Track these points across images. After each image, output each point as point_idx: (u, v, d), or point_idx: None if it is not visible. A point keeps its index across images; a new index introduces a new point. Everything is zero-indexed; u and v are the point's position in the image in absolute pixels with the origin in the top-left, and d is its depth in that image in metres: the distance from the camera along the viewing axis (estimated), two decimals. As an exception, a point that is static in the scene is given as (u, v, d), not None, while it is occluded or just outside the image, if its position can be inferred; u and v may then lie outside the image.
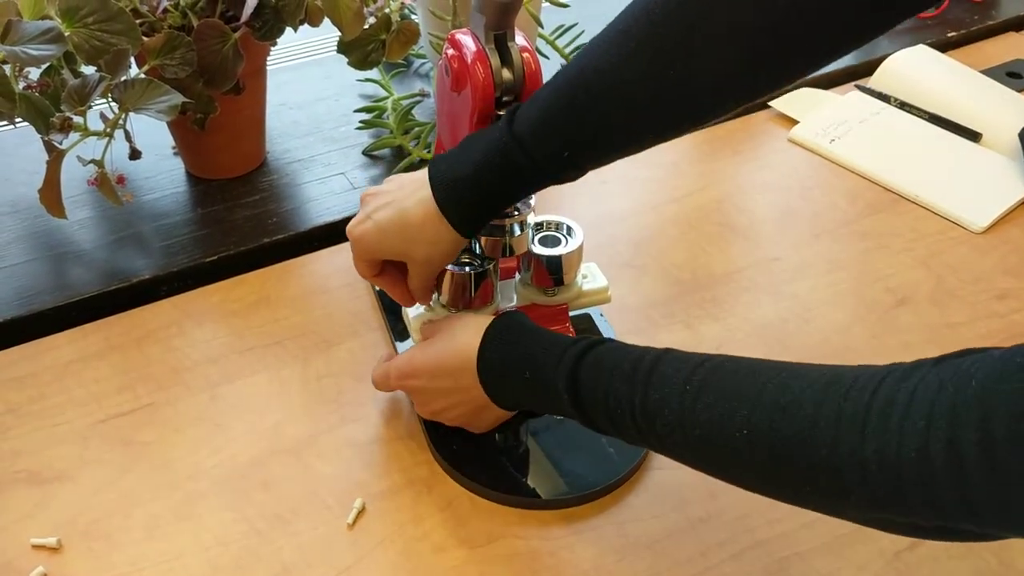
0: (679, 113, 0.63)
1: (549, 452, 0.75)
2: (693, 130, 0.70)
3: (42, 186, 0.85)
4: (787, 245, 0.97)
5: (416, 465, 0.75)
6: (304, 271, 0.93)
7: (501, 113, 0.67)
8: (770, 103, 1.14)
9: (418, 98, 1.14)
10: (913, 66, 1.17)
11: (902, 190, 1.03)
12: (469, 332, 0.69)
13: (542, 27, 1.14)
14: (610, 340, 0.64)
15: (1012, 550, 0.69)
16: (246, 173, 1.04)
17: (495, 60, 0.67)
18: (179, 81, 0.87)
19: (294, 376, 0.82)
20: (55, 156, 0.83)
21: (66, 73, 0.87)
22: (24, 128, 0.87)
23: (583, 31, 1.16)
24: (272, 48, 0.98)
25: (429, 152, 1.05)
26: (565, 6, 1.15)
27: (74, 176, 0.91)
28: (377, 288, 0.87)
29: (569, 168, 0.65)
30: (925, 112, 1.13)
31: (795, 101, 1.15)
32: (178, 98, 0.83)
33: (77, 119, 0.82)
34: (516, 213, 0.72)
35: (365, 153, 1.08)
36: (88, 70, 0.84)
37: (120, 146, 0.86)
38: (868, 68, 1.20)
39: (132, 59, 0.84)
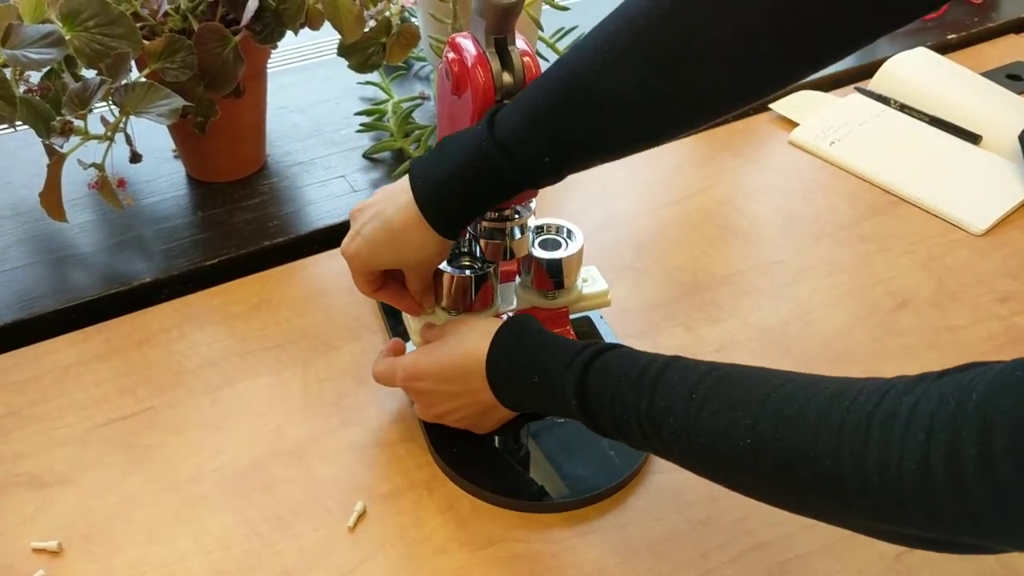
0: (663, 121, 0.64)
1: (550, 455, 0.75)
2: (678, 138, 0.70)
3: (43, 190, 0.85)
4: (788, 248, 0.97)
5: (417, 468, 0.75)
6: (305, 274, 0.93)
7: None
8: (770, 106, 1.15)
9: (418, 101, 1.14)
10: (913, 68, 1.17)
11: (902, 192, 1.03)
12: (476, 336, 0.70)
13: (542, 30, 1.14)
14: (619, 346, 0.64)
15: (1013, 553, 0.69)
16: (247, 176, 1.04)
17: (495, 64, 0.67)
18: (180, 85, 0.87)
19: (295, 379, 0.82)
20: (56, 160, 0.84)
21: (67, 77, 0.87)
22: (25, 132, 0.87)
23: (583, 34, 1.16)
24: (272, 51, 0.98)
25: (429, 155, 1.05)
26: (565, 9, 1.15)
27: (75, 180, 0.91)
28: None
29: (550, 173, 0.65)
30: (925, 114, 1.13)
31: (795, 104, 1.15)
32: (179, 102, 0.83)
33: (78, 123, 0.83)
34: (516, 216, 0.72)
35: (366, 156, 1.08)
36: (89, 74, 0.84)
37: (121, 149, 0.86)
38: (868, 70, 1.20)
39: (133, 63, 0.84)
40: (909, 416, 0.46)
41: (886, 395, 0.48)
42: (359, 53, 1.00)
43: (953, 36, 1.31)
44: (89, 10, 0.82)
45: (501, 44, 0.67)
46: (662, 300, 0.90)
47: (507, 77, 0.67)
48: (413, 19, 1.18)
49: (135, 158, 0.89)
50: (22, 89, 0.82)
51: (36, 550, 0.69)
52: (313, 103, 1.16)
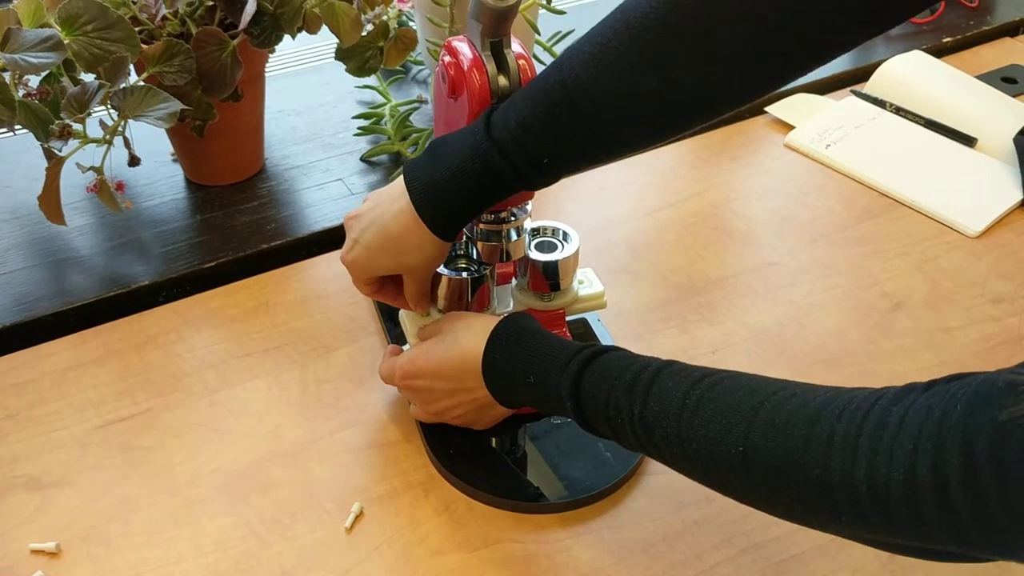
0: (659, 123, 0.64)
1: (546, 456, 0.76)
2: (675, 139, 0.71)
3: (41, 193, 0.85)
4: (783, 250, 0.97)
5: (414, 469, 0.75)
6: (302, 276, 0.93)
7: None
8: (767, 108, 1.15)
9: (416, 104, 1.15)
10: (909, 71, 1.18)
11: (898, 195, 1.04)
12: (473, 334, 0.70)
13: (539, 34, 1.15)
14: (615, 348, 0.65)
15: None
16: (245, 179, 1.05)
17: (491, 67, 0.67)
18: (178, 88, 0.88)
19: (293, 381, 0.82)
20: (54, 163, 0.84)
21: (65, 80, 0.87)
22: (24, 135, 0.87)
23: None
24: (270, 55, 0.98)
25: (427, 158, 1.06)
26: (561, 13, 1.15)
27: (73, 183, 0.91)
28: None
29: (546, 174, 0.66)
30: (921, 117, 1.13)
31: (791, 106, 1.15)
32: (177, 105, 0.83)
33: (76, 126, 0.83)
34: (513, 218, 0.73)
35: (363, 159, 1.08)
36: (87, 77, 0.85)
37: (119, 153, 0.87)
38: (864, 73, 1.21)
39: (131, 66, 0.84)
40: (898, 427, 0.47)
41: (875, 405, 0.49)
42: (357, 57, 1.00)
43: (948, 39, 1.31)
44: (88, 14, 0.82)
45: (497, 47, 0.67)
46: (658, 302, 0.91)
47: (503, 80, 0.67)
48: (410, 23, 1.19)
49: (133, 161, 0.89)
50: (21, 93, 0.82)
51: (35, 551, 0.69)
52: (311, 107, 1.17)
